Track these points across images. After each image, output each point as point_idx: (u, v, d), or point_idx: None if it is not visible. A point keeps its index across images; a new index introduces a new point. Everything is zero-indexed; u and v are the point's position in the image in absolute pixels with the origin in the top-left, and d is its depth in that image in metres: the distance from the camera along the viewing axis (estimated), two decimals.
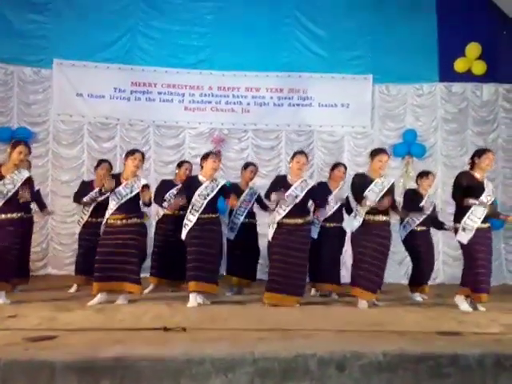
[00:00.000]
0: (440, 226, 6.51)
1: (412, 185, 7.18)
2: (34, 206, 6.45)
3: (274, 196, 5.29)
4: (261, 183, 7.02)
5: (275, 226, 5.37)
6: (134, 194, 5.33)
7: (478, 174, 5.36)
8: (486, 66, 8.77)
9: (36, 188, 6.02)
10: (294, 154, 5.57)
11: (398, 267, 7.83)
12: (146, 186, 5.43)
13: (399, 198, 6.59)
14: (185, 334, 3.67)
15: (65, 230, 8.32)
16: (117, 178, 5.43)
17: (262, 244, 6.38)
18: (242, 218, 6.32)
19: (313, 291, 6.48)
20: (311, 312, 4.99)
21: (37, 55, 8.38)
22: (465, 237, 5.25)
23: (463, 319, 4.55)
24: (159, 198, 6.31)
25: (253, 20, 8.60)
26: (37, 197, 6.16)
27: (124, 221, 5.29)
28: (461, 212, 5.33)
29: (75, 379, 2.91)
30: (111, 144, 8.58)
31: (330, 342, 3.46)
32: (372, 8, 8.73)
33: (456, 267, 7.08)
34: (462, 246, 5.35)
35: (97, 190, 6.13)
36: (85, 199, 6.33)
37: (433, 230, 6.70)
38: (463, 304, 5.27)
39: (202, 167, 5.57)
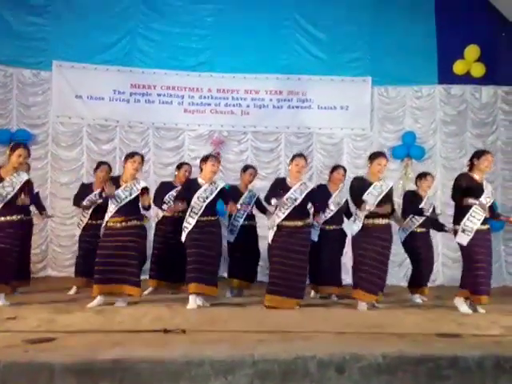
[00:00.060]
0: (440, 227, 6.52)
1: (411, 186, 7.18)
2: (33, 208, 6.45)
3: (274, 201, 5.29)
4: (260, 185, 7.04)
5: (275, 228, 5.37)
6: (133, 196, 5.33)
7: (477, 176, 5.37)
8: (485, 68, 8.78)
9: (35, 190, 6.02)
10: (293, 157, 5.56)
11: (398, 269, 7.83)
12: (145, 189, 5.44)
13: (399, 200, 6.60)
14: (184, 336, 3.67)
15: (64, 231, 8.31)
16: (116, 181, 5.43)
17: (263, 246, 6.38)
18: (241, 221, 6.32)
19: (312, 293, 6.48)
20: (311, 314, 4.98)
21: (36, 57, 8.38)
22: (464, 238, 5.25)
23: (463, 321, 4.55)
24: (158, 200, 6.32)
25: (252, 22, 8.60)
26: (36, 199, 6.15)
27: (124, 223, 5.29)
28: (460, 213, 5.33)
29: (74, 381, 2.91)
30: (111, 146, 8.58)
31: (329, 344, 3.46)
32: (371, 10, 8.75)
33: (455, 269, 7.08)
34: (462, 247, 5.35)
35: (96, 192, 6.15)
36: (84, 203, 6.33)
37: (432, 232, 6.70)
38: (463, 306, 5.27)
39: (201, 170, 5.58)
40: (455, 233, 5.38)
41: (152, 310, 4.87)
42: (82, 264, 6.27)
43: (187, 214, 5.38)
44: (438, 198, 8.40)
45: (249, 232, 6.40)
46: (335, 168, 6.52)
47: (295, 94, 8.90)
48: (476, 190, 5.30)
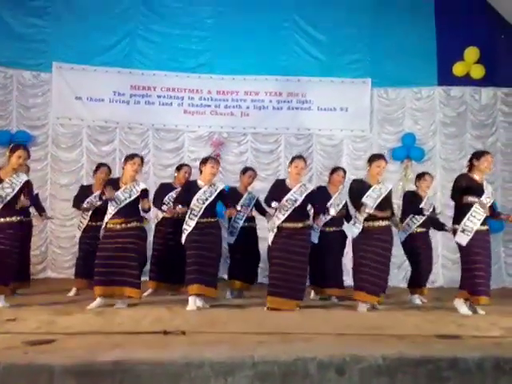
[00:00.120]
0: (441, 227, 6.48)
1: (411, 187, 7.18)
2: (32, 209, 6.45)
3: (274, 203, 5.29)
4: (260, 187, 7.04)
5: (275, 230, 5.37)
6: (132, 198, 5.33)
7: (477, 176, 5.37)
8: (485, 70, 8.79)
9: (35, 192, 6.02)
10: (293, 159, 5.57)
11: (397, 271, 7.83)
12: (144, 191, 5.44)
13: (399, 202, 6.60)
14: (184, 337, 3.67)
15: (64, 233, 8.31)
16: (115, 183, 5.43)
17: (262, 248, 6.38)
18: (241, 222, 6.33)
19: (312, 294, 6.48)
20: (311, 315, 4.99)
21: (36, 59, 8.38)
22: (464, 238, 5.25)
23: (463, 322, 4.55)
24: (158, 201, 6.32)
25: (252, 24, 8.61)
26: (35, 201, 6.15)
27: (123, 225, 5.29)
28: (460, 213, 5.34)
29: (74, 383, 2.91)
30: (110, 147, 8.58)
31: (329, 345, 3.46)
32: (371, 12, 8.76)
33: (455, 270, 7.08)
34: (461, 248, 5.35)
35: (96, 194, 6.15)
36: (84, 205, 6.34)
37: (432, 233, 6.70)
38: (462, 307, 5.26)
39: (200, 172, 5.58)
40: (454, 232, 5.38)
41: (152, 311, 4.87)
42: (81, 265, 6.27)
43: (187, 216, 5.39)
44: (438, 199, 8.40)
45: (249, 234, 6.41)
46: (335, 170, 6.52)
47: (295, 96, 8.90)
48: (476, 191, 5.30)
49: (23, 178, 5.37)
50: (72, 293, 6.33)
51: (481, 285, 5.18)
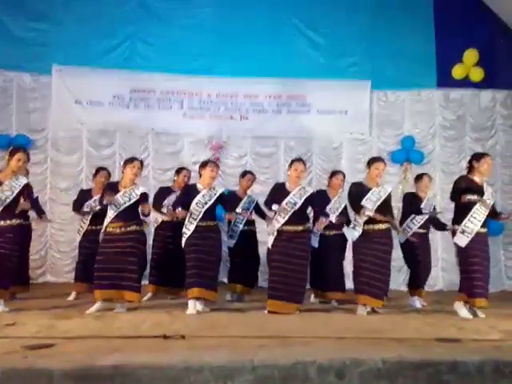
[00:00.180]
0: (442, 227, 6.40)
1: (410, 190, 7.18)
2: (32, 213, 6.44)
3: (275, 206, 5.29)
4: (259, 190, 7.03)
5: (275, 233, 5.37)
6: (132, 202, 5.33)
7: (477, 178, 5.38)
8: (484, 73, 8.79)
9: (34, 195, 6.01)
10: (292, 162, 5.58)
11: (398, 274, 7.81)
12: (144, 195, 5.43)
13: (398, 204, 6.60)
14: (184, 341, 3.67)
15: (63, 237, 8.29)
16: (115, 186, 5.44)
17: (262, 251, 6.38)
18: (241, 226, 6.34)
19: (312, 297, 6.48)
20: (311, 319, 4.99)
21: (36, 62, 8.36)
22: (463, 240, 5.25)
23: (463, 326, 4.55)
24: (157, 204, 6.32)
25: (252, 27, 8.61)
26: (35, 204, 6.15)
27: (123, 229, 5.29)
28: (461, 214, 5.34)
29: None
30: (110, 151, 8.58)
31: (329, 349, 3.46)
32: (370, 15, 8.77)
33: (455, 274, 7.02)
34: (459, 249, 5.35)
35: (96, 198, 6.15)
36: (84, 209, 6.33)
37: (432, 236, 6.69)
38: (462, 310, 5.26)
39: (200, 175, 5.58)
40: (453, 233, 5.38)
41: (151, 315, 4.87)
42: (81, 270, 6.27)
43: (186, 219, 5.39)
44: (438, 202, 8.37)
45: (249, 237, 6.42)
46: (334, 173, 6.53)
47: (294, 99, 8.90)
48: (476, 192, 5.31)
49: (23, 180, 5.37)
50: (71, 297, 6.32)
51: (479, 287, 5.18)
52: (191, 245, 5.31)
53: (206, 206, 5.37)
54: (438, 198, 8.48)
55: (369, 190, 5.42)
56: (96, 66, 8.50)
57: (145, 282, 6.22)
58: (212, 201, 5.41)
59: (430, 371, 3.14)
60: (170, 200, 6.28)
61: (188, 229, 5.34)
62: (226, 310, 5.55)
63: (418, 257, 6.33)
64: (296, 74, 8.80)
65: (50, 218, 6.94)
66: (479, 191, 5.33)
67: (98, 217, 5.93)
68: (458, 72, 8.81)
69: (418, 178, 6.59)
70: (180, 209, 5.37)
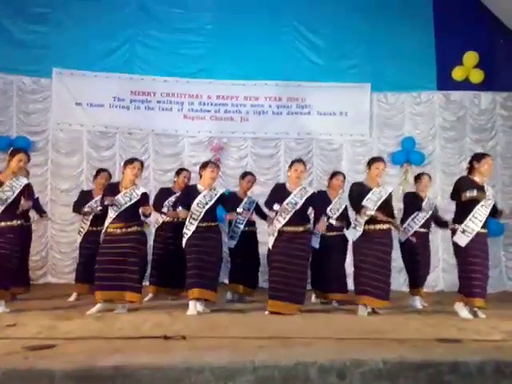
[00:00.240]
0: (445, 225, 6.33)
1: (411, 190, 7.17)
2: (32, 214, 6.45)
3: (276, 206, 5.28)
4: (260, 191, 7.04)
5: (276, 234, 5.37)
6: (133, 202, 5.33)
7: (477, 179, 5.38)
8: (484, 75, 8.81)
9: (35, 196, 6.02)
10: (292, 163, 5.58)
11: (398, 275, 7.81)
12: (144, 195, 5.44)
13: (399, 205, 6.60)
14: (184, 342, 3.66)
15: (64, 238, 8.31)
16: (115, 187, 5.44)
17: (262, 252, 6.38)
18: (242, 227, 6.35)
19: (313, 298, 6.48)
20: (312, 320, 4.98)
21: (36, 65, 8.39)
22: (463, 239, 5.25)
23: (463, 326, 4.55)
24: (158, 205, 6.32)
25: (252, 29, 8.63)
26: (36, 203, 6.16)
27: (123, 229, 5.29)
28: (461, 213, 5.34)
29: None
30: (110, 153, 8.59)
31: (330, 349, 3.45)
32: (370, 17, 8.77)
33: (456, 274, 7.03)
34: (459, 249, 5.35)
35: (97, 199, 6.15)
36: (85, 209, 6.34)
37: (433, 237, 6.68)
38: (463, 311, 5.26)
39: (200, 176, 5.59)
40: (453, 232, 5.38)
41: (152, 316, 4.86)
42: (82, 270, 6.27)
43: (187, 220, 5.39)
44: (438, 203, 8.36)
45: (249, 238, 6.42)
46: (334, 174, 6.54)
47: (294, 101, 8.92)
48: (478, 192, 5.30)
49: (23, 181, 5.38)
50: (72, 298, 6.33)
51: (477, 287, 5.19)
52: (192, 245, 5.31)
53: (207, 207, 5.37)
54: (438, 199, 8.45)
55: (369, 189, 5.43)
56: (96, 69, 8.52)
57: (145, 282, 6.23)
58: (213, 201, 5.42)
59: (430, 372, 3.14)
60: (169, 201, 6.30)
61: (189, 229, 5.35)
62: (226, 310, 5.55)
63: (417, 256, 6.32)
64: (296, 77, 8.83)
65: (47, 221, 6.96)
66: (480, 191, 5.34)
67: (99, 218, 5.93)
68: (458, 74, 8.83)
69: (418, 177, 6.61)
70: (180, 208, 5.37)
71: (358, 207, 5.42)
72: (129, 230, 5.29)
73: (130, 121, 8.62)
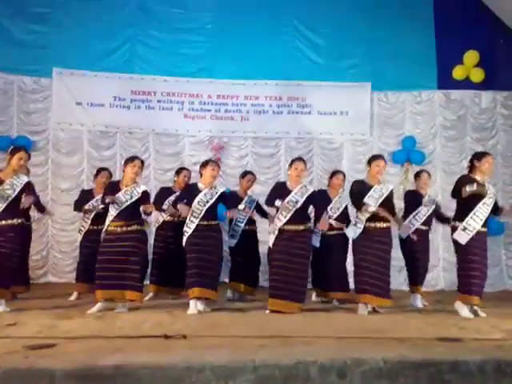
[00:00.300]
0: (447, 220, 6.26)
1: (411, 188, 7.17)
2: (33, 213, 6.45)
3: (277, 202, 5.28)
4: (260, 190, 7.05)
5: (276, 232, 5.37)
6: (133, 200, 5.33)
7: (478, 177, 5.38)
8: (484, 74, 8.80)
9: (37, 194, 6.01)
10: (292, 161, 5.59)
11: (398, 274, 7.82)
12: (145, 193, 5.45)
13: (400, 202, 6.59)
14: (185, 341, 3.67)
15: (65, 237, 8.31)
16: (116, 185, 5.44)
17: (262, 251, 6.38)
18: (242, 226, 6.35)
19: (313, 296, 6.48)
20: (312, 319, 4.98)
21: (37, 64, 8.39)
22: (464, 237, 5.25)
23: (464, 325, 4.55)
24: (159, 204, 6.32)
25: (252, 29, 8.63)
26: (37, 201, 6.15)
27: (124, 228, 5.29)
28: (462, 211, 5.34)
29: None
30: (111, 152, 8.59)
31: (330, 348, 3.45)
32: (370, 16, 8.77)
33: (456, 273, 7.07)
34: (458, 247, 5.35)
35: (98, 198, 6.15)
36: (86, 206, 6.34)
37: (433, 235, 6.67)
38: (463, 310, 5.25)
39: (201, 175, 5.59)
40: (453, 229, 5.38)
41: (152, 315, 4.87)
42: (82, 270, 6.28)
43: (187, 218, 5.39)
44: (439, 202, 8.39)
45: (250, 237, 6.42)
46: (334, 173, 6.54)
47: (295, 100, 8.92)
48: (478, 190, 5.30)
49: (24, 179, 5.38)
50: (73, 297, 6.33)
51: (474, 285, 5.20)
52: (192, 244, 5.31)
53: (208, 205, 5.37)
54: (439, 198, 8.46)
55: (370, 187, 5.43)
56: (96, 68, 8.52)
57: (146, 282, 6.23)
58: (213, 199, 5.41)
59: (431, 371, 3.13)
60: (169, 201, 6.29)
61: (189, 227, 5.34)
62: (227, 309, 5.55)
63: (416, 254, 6.31)
64: (296, 76, 8.83)
65: (50, 217, 6.95)
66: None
67: (100, 216, 5.93)
68: (458, 73, 8.83)
69: (417, 175, 6.62)
70: (182, 204, 5.34)
71: (358, 204, 5.42)
72: (129, 228, 5.29)
73: (131, 120, 8.62)
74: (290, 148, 8.83)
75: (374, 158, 5.59)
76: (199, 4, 8.82)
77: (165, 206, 6.24)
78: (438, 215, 6.45)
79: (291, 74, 8.83)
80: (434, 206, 6.35)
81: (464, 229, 5.26)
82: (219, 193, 5.48)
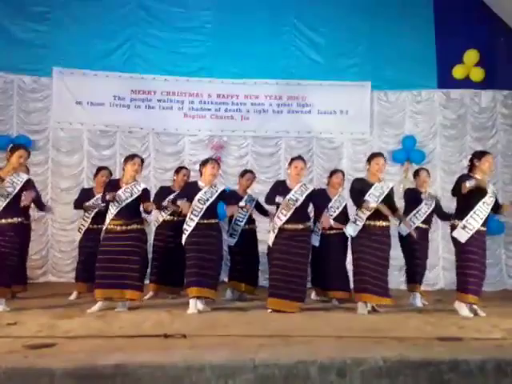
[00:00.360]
0: (447, 217, 6.22)
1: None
2: (33, 212, 6.44)
3: (278, 198, 5.27)
4: (260, 189, 7.05)
5: (276, 231, 5.37)
6: (134, 197, 5.34)
7: (478, 177, 5.37)
8: (484, 73, 8.80)
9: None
10: (292, 160, 5.58)
11: (397, 274, 7.82)
12: (145, 191, 5.45)
13: (401, 201, 6.59)
14: (185, 340, 3.66)
15: (64, 237, 8.31)
16: (116, 183, 5.45)
17: (262, 250, 6.38)
18: (242, 225, 6.35)
19: (313, 295, 6.48)
20: (311, 318, 4.98)
21: (36, 64, 8.39)
22: (463, 235, 5.25)
23: (464, 325, 4.55)
24: (158, 203, 6.32)
25: (252, 28, 8.63)
26: (37, 198, 6.14)
27: (124, 227, 5.29)
28: (463, 209, 5.34)
29: None
30: (111, 151, 8.59)
31: (330, 348, 3.45)
32: (370, 15, 8.77)
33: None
34: (457, 245, 5.35)
35: (98, 196, 6.15)
36: (87, 204, 6.33)
37: (433, 235, 6.66)
38: (463, 309, 5.25)
39: (201, 174, 5.58)
40: (453, 227, 5.38)
41: (152, 314, 4.86)
42: (82, 269, 6.28)
43: (187, 216, 5.38)
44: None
45: (249, 236, 6.43)
46: (334, 172, 6.54)
47: (295, 99, 8.91)
48: (479, 189, 5.30)
49: (24, 177, 5.38)
50: (73, 296, 6.32)
51: (472, 283, 5.21)
52: (192, 243, 5.30)
53: (208, 203, 5.36)
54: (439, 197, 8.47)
55: (371, 185, 5.42)
56: (96, 68, 8.51)
57: (146, 281, 6.22)
58: (213, 198, 5.41)
59: (431, 370, 3.13)
60: (169, 199, 6.29)
61: (189, 225, 5.33)
62: (226, 309, 5.55)
63: (415, 252, 6.31)
64: (296, 75, 8.84)
65: (50, 218, 6.94)
66: (482, 189, 5.33)
67: (100, 215, 5.93)
68: (458, 72, 8.82)
69: (416, 173, 6.62)
70: (182, 201, 5.32)
71: (359, 202, 5.41)
72: (129, 227, 5.29)
73: (131, 119, 8.62)
74: (290, 147, 8.82)
75: (373, 156, 5.58)
76: (199, 3, 8.82)
77: (164, 203, 6.24)
78: (438, 212, 6.43)
79: (291, 73, 8.84)
80: (434, 204, 6.34)
81: (464, 227, 5.27)
82: (219, 191, 5.47)
